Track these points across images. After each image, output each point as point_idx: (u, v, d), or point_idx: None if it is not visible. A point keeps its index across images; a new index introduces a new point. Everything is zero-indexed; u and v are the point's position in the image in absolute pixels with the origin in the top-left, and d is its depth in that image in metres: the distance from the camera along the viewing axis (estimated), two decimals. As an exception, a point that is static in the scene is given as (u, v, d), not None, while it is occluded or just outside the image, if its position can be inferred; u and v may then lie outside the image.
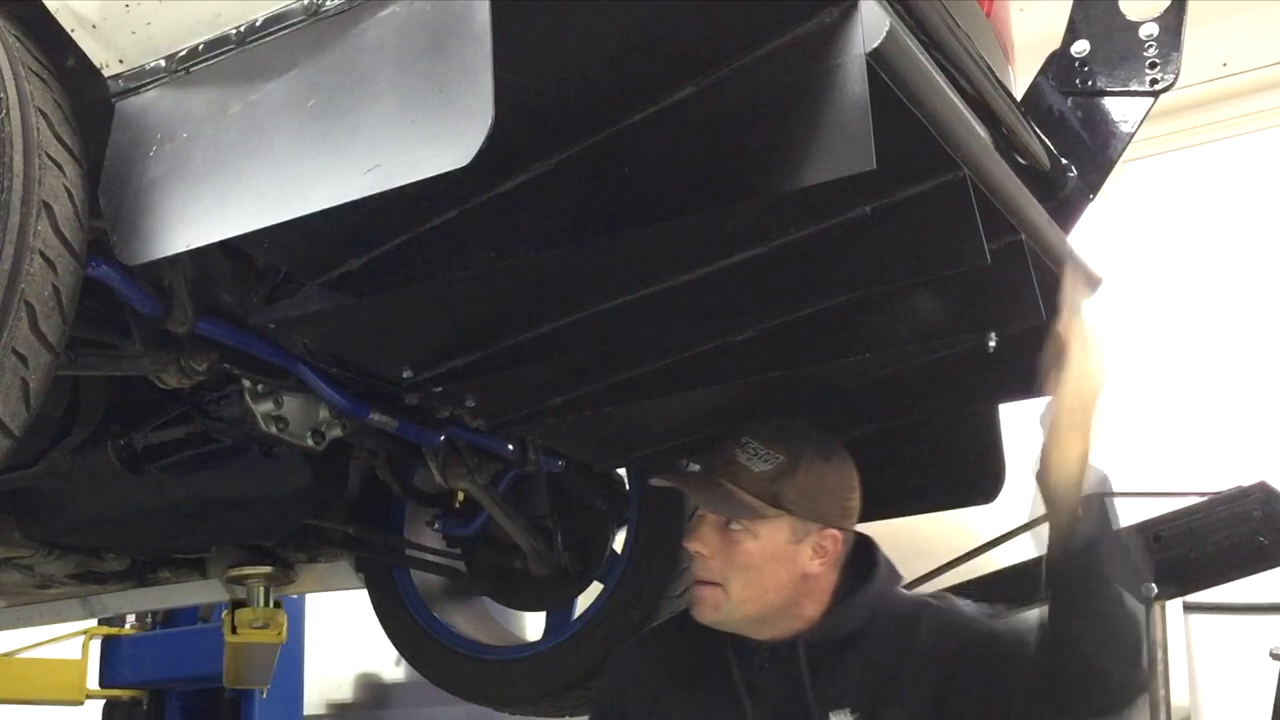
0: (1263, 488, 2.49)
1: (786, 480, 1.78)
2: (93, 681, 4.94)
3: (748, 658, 1.87)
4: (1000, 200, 1.57)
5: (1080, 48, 2.01)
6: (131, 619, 5.08)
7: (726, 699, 1.86)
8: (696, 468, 1.84)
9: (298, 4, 1.30)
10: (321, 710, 5.48)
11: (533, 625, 3.35)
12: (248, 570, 2.86)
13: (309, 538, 2.72)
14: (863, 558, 1.89)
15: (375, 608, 2.95)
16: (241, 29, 1.34)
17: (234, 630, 3.24)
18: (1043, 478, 1.67)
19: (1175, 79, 1.96)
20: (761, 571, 1.80)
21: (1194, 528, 2.54)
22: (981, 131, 1.63)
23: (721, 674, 1.88)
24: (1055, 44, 2.03)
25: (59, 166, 1.34)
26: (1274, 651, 2.82)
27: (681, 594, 2.49)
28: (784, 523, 1.79)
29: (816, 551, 1.81)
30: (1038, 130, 1.92)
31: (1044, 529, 2.56)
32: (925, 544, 2.75)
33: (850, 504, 1.85)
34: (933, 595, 1.99)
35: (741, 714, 1.84)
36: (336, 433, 2.03)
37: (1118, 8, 1.99)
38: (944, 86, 1.43)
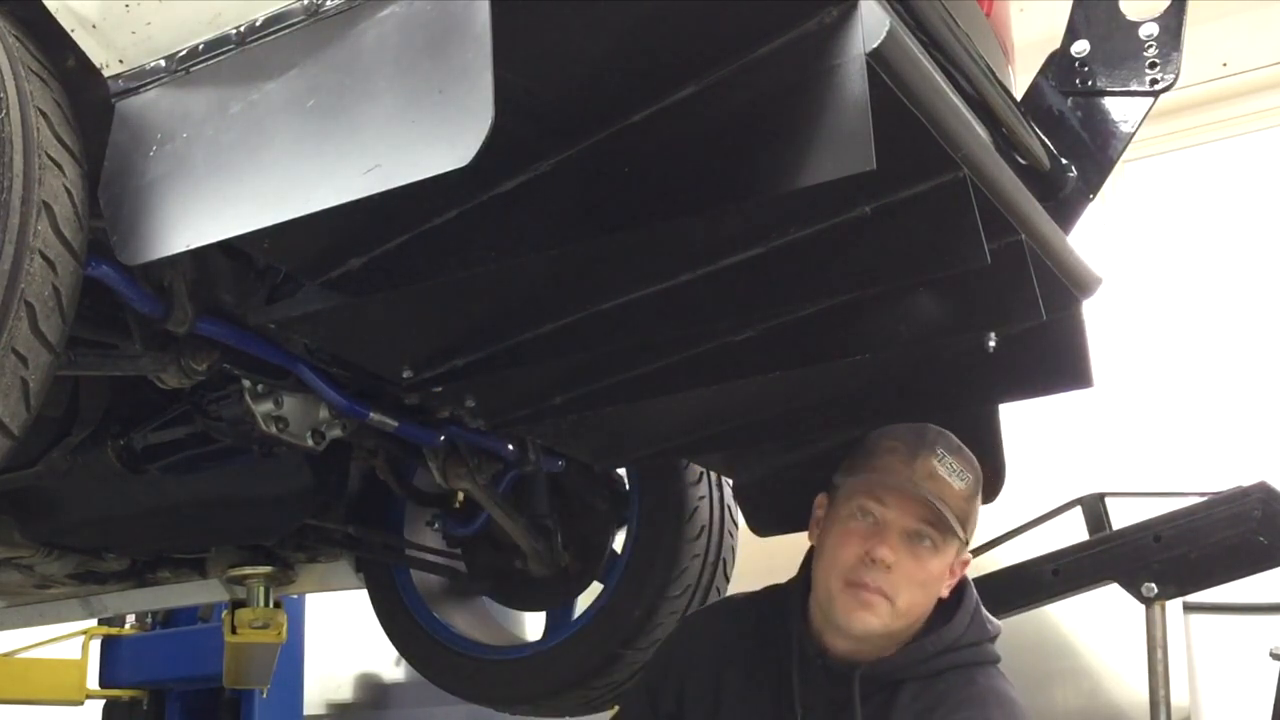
0: (1263, 488, 2.49)
1: (974, 501, 1.73)
2: (93, 681, 4.94)
3: (805, 666, 1.80)
4: (1000, 200, 1.57)
5: (1080, 48, 2.00)
6: (131, 619, 5.07)
7: (781, 701, 1.80)
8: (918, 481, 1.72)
9: (298, 4, 1.30)
10: (321, 710, 5.48)
11: (533, 625, 3.35)
12: (248, 570, 2.86)
13: (309, 538, 2.72)
14: (954, 593, 1.79)
15: (375, 608, 2.95)
16: (241, 29, 1.34)
17: (234, 630, 3.23)
18: None
19: (1175, 79, 1.96)
20: (927, 590, 1.73)
21: (1194, 528, 2.54)
22: (981, 131, 1.63)
23: (780, 674, 1.82)
24: (1055, 44, 2.03)
25: (59, 166, 1.34)
26: (1274, 651, 2.82)
27: (681, 593, 2.49)
28: (957, 544, 1.73)
29: (952, 574, 1.74)
30: (1038, 130, 1.91)
31: (1045, 528, 2.57)
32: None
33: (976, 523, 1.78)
34: (981, 667, 1.81)
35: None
36: (336, 433, 2.03)
37: (1118, 8, 1.99)
38: (944, 86, 1.43)
